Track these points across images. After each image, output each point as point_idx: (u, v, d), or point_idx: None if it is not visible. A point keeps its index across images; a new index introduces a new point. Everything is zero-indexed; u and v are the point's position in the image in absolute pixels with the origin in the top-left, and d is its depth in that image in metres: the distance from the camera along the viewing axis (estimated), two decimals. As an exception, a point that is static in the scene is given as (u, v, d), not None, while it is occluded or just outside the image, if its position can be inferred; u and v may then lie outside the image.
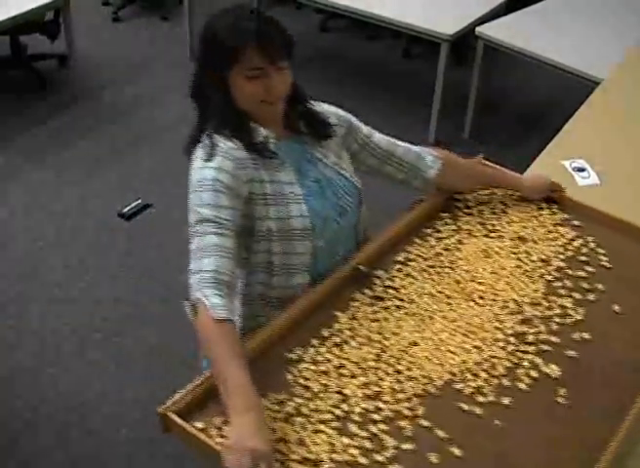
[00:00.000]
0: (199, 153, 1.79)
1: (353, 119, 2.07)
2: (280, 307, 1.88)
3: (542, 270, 2.03)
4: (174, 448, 2.73)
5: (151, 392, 2.94)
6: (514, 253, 2.07)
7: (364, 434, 1.60)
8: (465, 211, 2.21)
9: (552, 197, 2.26)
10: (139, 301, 3.50)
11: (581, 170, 2.60)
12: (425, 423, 1.63)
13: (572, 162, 2.64)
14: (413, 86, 5.25)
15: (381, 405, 1.66)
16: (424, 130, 4.68)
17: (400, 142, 2.10)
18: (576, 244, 2.12)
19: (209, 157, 1.76)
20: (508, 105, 5.12)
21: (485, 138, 4.73)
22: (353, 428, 1.61)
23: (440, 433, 1.62)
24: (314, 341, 1.79)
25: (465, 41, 4.79)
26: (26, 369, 3.17)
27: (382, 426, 1.62)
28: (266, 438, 1.48)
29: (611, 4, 4.58)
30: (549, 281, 2.00)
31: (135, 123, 4.77)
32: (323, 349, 1.77)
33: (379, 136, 2.08)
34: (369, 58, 5.61)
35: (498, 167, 2.30)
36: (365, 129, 2.08)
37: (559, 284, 2.00)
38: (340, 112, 2.05)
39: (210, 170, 1.74)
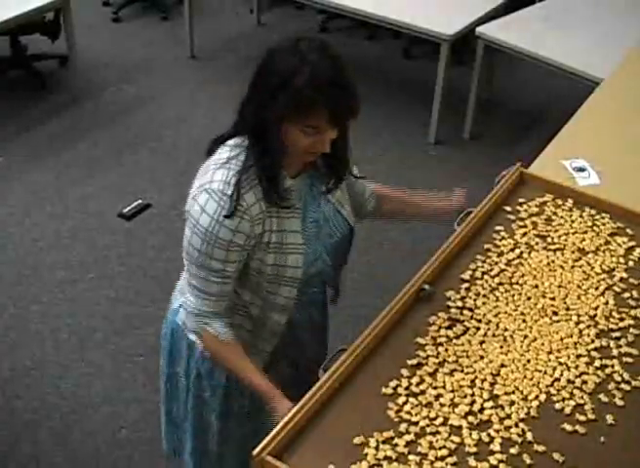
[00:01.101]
0: (217, 198, 1.70)
1: None
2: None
3: (608, 281, 2.04)
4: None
5: (151, 392, 2.94)
6: (578, 266, 2.07)
7: (486, 466, 1.59)
8: (519, 223, 2.20)
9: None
10: (138, 301, 3.50)
11: (582, 170, 2.60)
12: (540, 448, 1.63)
13: (572, 162, 2.64)
14: (413, 86, 5.25)
15: (492, 433, 1.65)
16: (424, 130, 4.68)
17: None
18: (635, 253, 2.14)
19: (228, 214, 1.70)
20: (508, 105, 5.12)
21: (485, 139, 4.73)
22: (472, 462, 1.60)
23: (556, 456, 1.62)
24: (404, 372, 1.77)
25: (465, 41, 4.79)
26: (26, 369, 3.17)
27: (500, 456, 1.61)
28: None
29: (611, 4, 4.58)
30: (617, 292, 2.01)
31: (135, 123, 4.77)
32: (416, 380, 1.75)
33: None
34: (369, 58, 5.61)
35: (425, 194, 2.22)
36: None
37: (627, 295, 2.01)
38: None
39: (226, 230, 1.71)
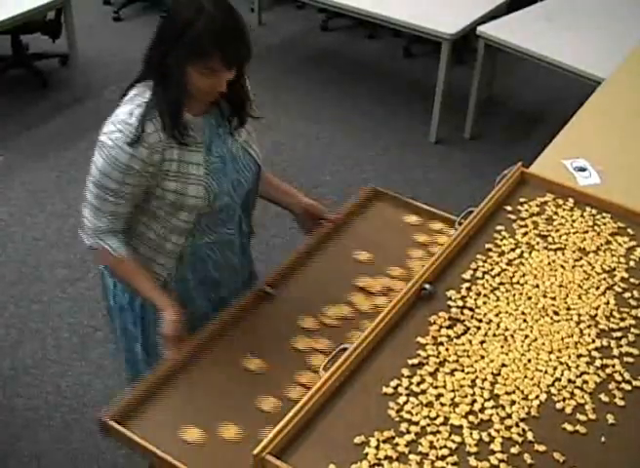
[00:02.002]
0: (119, 126, 1.91)
1: None
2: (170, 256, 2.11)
3: (609, 281, 2.04)
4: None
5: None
6: (578, 266, 2.07)
7: (486, 466, 1.59)
8: (520, 223, 2.20)
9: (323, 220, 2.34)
10: (139, 300, 3.50)
11: (582, 169, 2.60)
12: (540, 448, 1.63)
13: (573, 161, 2.64)
14: (414, 85, 5.25)
15: (493, 433, 1.65)
16: (425, 129, 4.68)
17: None
18: (636, 253, 2.13)
19: (131, 142, 1.90)
20: (509, 105, 5.12)
21: (486, 138, 4.73)
22: (473, 462, 1.60)
23: (557, 456, 1.62)
24: (405, 371, 1.77)
25: (466, 40, 4.79)
26: (27, 368, 3.18)
27: (500, 456, 1.61)
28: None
29: (612, 4, 4.58)
30: (618, 292, 2.01)
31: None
32: (416, 379, 1.75)
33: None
34: (370, 57, 5.61)
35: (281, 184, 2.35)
36: None
37: (628, 294, 2.01)
38: None
39: (126, 155, 1.91)
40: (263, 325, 2.12)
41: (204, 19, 1.82)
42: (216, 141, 2.04)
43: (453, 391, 1.73)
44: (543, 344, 1.85)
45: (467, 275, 2.03)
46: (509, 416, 1.69)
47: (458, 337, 1.85)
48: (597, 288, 2.01)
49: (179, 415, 1.89)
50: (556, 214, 2.24)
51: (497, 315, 1.91)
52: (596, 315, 1.94)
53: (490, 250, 2.11)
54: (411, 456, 1.59)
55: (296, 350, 2.05)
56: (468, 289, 1.99)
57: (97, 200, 1.97)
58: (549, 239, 2.15)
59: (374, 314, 2.01)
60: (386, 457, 1.59)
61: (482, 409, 1.69)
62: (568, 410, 1.71)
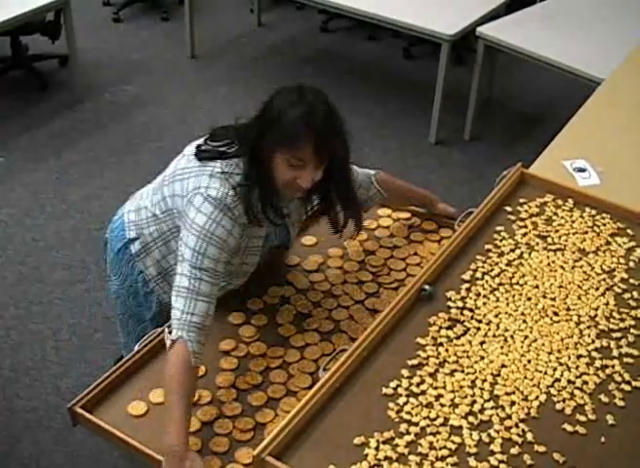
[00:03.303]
0: (214, 203, 1.86)
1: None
2: None
3: (608, 282, 2.04)
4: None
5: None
6: (578, 266, 2.08)
7: (486, 467, 1.59)
8: (519, 223, 2.21)
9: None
10: (139, 302, 3.50)
11: (582, 170, 2.60)
12: (540, 448, 1.63)
13: (572, 162, 2.64)
14: (413, 86, 5.25)
15: (493, 433, 1.65)
16: (425, 130, 4.68)
17: (356, 176, 2.21)
18: (636, 253, 2.14)
19: (225, 217, 1.86)
20: (509, 106, 5.12)
21: (486, 139, 4.73)
22: (473, 462, 1.60)
23: (556, 456, 1.62)
24: (404, 372, 1.77)
25: (466, 41, 4.80)
26: (27, 369, 3.17)
27: (500, 456, 1.61)
28: None
29: (611, 4, 4.58)
30: (618, 293, 2.01)
31: (135, 123, 4.77)
32: (416, 380, 1.75)
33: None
34: (369, 58, 5.61)
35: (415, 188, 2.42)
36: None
37: (627, 295, 2.01)
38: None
39: (223, 230, 1.86)
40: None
41: (303, 106, 1.82)
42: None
43: (452, 392, 1.73)
44: (543, 345, 1.85)
45: (467, 276, 2.03)
46: (509, 417, 1.69)
47: (457, 338, 1.85)
48: (597, 288, 2.01)
49: (150, 403, 1.91)
50: (556, 214, 2.24)
51: (496, 316, 1.92)
52: (596, 316, 1.94)
53: (489, 250, 2.11)
54: (411, 457, 1.59)
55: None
56: (468, 289, 1.99)
57: (193, 282, 1.84)
58: (549, 239, 2.15)
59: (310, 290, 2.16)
60: (386, 458, 1.59)
61: (482, 410, 1.70)
62: (568, 411, 1.71)
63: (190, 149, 2.03)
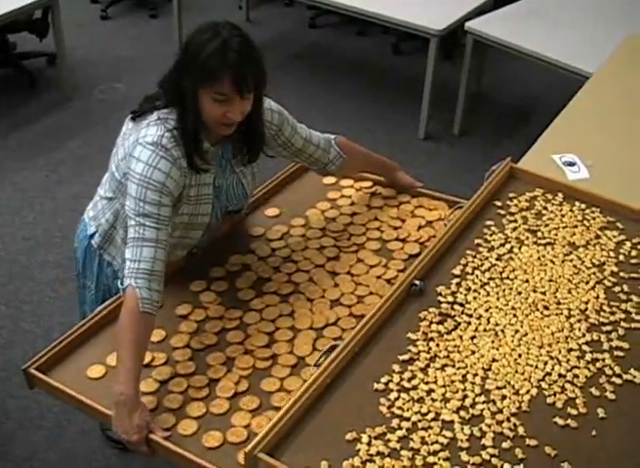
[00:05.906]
0: (151, 148, 1.89)
1: (285, 121, 2.17)
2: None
3: (599, 275, 2.05)
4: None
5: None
6: (568, 260, 2.08)
7: (478, 461, 1.59)
8: (509, 218, 2.21)
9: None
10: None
11: (571, 164, 2.61)
12: (532, 442, 1.64)
13: (562, 156, 2.65)
14: (402, 82, 5.26)
15: (484, 428, 1.66)
16: (414, 126, 4.68)
17: (313, 137, 2.26)
18: (625, 247, 2.14)
19: (162, 159, 1.89)
20: (498, 100, 5.13)
21: (475, 134, 4.74)
22: (464, 457, 1.60)
23: (548, 450, 1.62)
24: (395, 367, 1.77)
25: (455, 36, 4.80)
26: (19, 368, 3.16)
27: (492, 450, 1.61)
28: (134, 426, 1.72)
29: (599, -2, 4.60)
30: (608, 286, 2.02)
31: (124, 121, 4.75)
32: (407, 375, 1.76)
33: (297, 137, 2.21)
34: (358, 54, 5.61)
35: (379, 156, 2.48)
36: (289, 129, 2.18)
37: (617, 288, 2.02)
38: (276, 115, 2.15)
39: (160, 173, 1.88)
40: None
41: (217, 42, 1.82)
42: (217, 169, 2.08)
43: (444, 386, 1.73)
44: (534, 339, 1.85)
45: (457, 270, 2.03)
46: (500, 411, 1.69)
47: (448, 333, 1.86)
48: (587, 282, 2.02)
49: (108, 366, 1.92)
50: (545, 208, 2.25)
51: (487, 310, 1.92)
52: (586, 309, 1.95)
53: (479, 245, 2.12)
54: (402, 452, 1.60)
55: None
56: (458, 284, 1.99)
57: (138, 229, 1.87)
58: (539, 234, 2.16)
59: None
60: (378, 453, 1.59)
61: (473, 405, 1.70)
62: (559, 405, 1.72)
63: (127, 120, 2.10)
